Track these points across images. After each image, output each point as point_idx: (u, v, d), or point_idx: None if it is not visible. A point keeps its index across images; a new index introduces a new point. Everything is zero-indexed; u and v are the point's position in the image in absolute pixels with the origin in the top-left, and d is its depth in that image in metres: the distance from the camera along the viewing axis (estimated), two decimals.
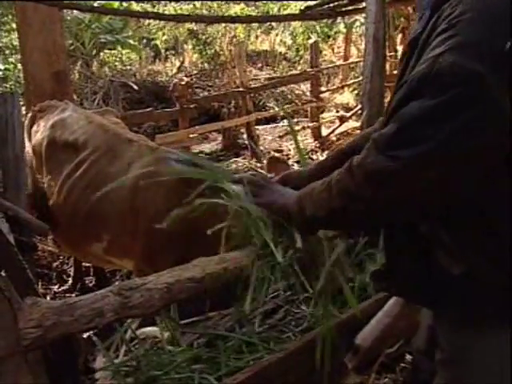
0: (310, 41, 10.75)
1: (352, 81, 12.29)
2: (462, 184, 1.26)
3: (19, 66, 8.74)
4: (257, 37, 16.07)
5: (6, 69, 10.17)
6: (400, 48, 11.55)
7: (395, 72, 8.37)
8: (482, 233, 1.34)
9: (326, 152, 8.22)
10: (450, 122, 1.18)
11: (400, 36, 12.73)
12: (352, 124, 9.55)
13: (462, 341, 1.45)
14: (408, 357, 2.71)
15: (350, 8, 6.51)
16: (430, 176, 1.23)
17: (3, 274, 1.65)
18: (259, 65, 14.47)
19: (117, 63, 12.49)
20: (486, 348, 1.40)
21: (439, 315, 1.56)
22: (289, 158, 7.96)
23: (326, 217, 1.49)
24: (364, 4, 5.39)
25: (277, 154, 7.98)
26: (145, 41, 13.97)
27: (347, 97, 12.10)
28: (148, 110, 7.80)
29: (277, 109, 11.20)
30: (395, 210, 1.35)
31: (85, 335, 2.33)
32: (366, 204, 1.34)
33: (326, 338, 1.78)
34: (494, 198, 1.31)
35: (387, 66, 4.88)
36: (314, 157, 8.25)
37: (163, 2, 13.67)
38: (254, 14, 11.49)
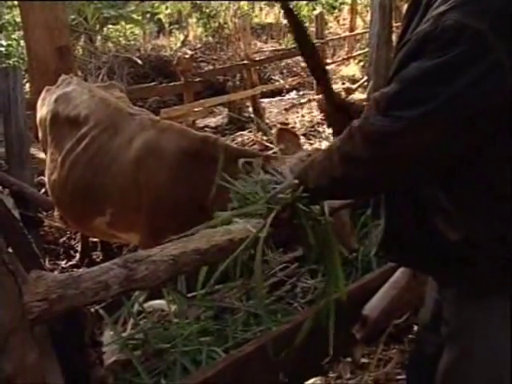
0: (315, 12, 10.63)
1: (358, 52, 12.16)
2: (463, 146, 1.24)
3: (22, 42, 8.69)
4: (261, 9, 15.91)
5: (8, 45, 10.10)
6: None
7: None
8: (483, 197, 1.32)
9: None
10: (452, 83, 1.15)
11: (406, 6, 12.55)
12: (358, 96, 9.44)
13: (466, 313, 1.44)
14: (416, 328, 2.71)
15: None
16: (430, 137, 1.21)
17: (10, 250, 1.64)
18: (264, 37, 14.33)
19: (121, 38, 12.41)
20: (489, 318, 1.39)
21: (443, 288, 1.55)
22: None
23: (329, 186, 1.46)
24: None
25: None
26: (148, 15, 13.86)
27: (353, 69, 11.98)
28: (152, 84, 7.75)
29: (282, 81, 11.11)
30: (395, 172, 1.32)
31: (92, 309, 2.33)
32: (367, 167, 1.32)
33: (332, 308, 1.77)
34: (497, 161, 1.28)
35: (394, 37, 4.80)
36: (320, 129, 8.18)
37: None
38: None
